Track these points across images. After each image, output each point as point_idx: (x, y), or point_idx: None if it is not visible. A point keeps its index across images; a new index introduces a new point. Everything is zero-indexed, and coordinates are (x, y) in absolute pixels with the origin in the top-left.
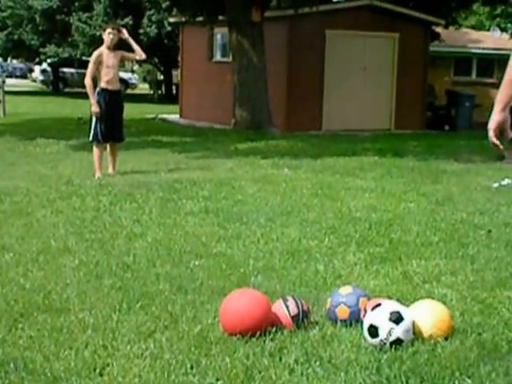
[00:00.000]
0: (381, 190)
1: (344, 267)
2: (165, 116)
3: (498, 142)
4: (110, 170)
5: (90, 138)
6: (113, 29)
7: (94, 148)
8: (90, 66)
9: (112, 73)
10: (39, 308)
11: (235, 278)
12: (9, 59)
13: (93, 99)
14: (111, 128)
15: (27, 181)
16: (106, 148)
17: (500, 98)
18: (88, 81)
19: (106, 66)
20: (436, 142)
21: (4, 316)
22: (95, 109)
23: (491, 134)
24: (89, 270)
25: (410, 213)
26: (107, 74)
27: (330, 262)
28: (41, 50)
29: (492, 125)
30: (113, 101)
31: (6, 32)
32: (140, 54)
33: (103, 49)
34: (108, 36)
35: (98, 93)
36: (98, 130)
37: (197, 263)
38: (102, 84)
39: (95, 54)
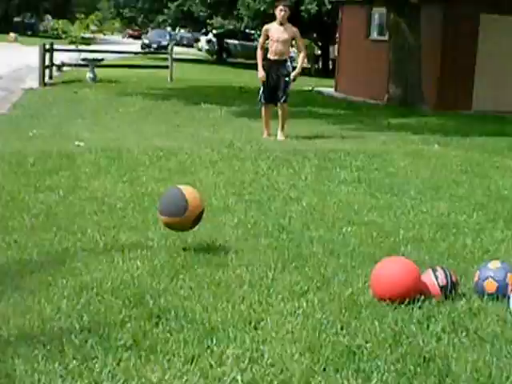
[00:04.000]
0: None
1: (492, 243)
2: (320, 89)
3: None
4: (279, 135)
5: (258, 100)
6: (284, 6)
7: (261, 109)
8: (261, 38)
9: (276, 45)
10: (199, 261)
11: (386, 246)
12: (177, 29)
13: (259, 65)
14: (274, 93)
15: (191, 142)
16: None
17: None
18: (258, 50)
19: (272, 39)
20: None
21: (166, 267)
22: (260, 74)
23: None
24: (246, 229)
25: None
26: (272, 46)
27: (478, 236)
28: (207, 21)
29: None
30: (275, 70)
31: (176, 3)
32: (304, 60)
33: (273, 23)
34: (280, 13)
35: (264, 62)
36: (261, 93)
37: (349, 229)
38: (268, 55)
39: (264, 27)
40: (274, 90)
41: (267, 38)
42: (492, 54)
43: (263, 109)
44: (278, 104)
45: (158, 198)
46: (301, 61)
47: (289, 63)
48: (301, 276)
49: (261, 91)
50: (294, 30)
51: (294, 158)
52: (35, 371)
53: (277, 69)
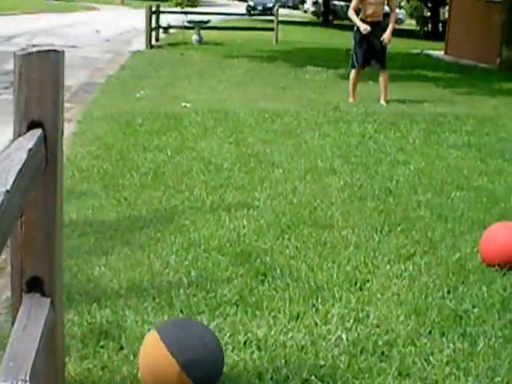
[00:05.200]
0: None
1: None
2: (430, 52)
3: None
4: (382, 100)
5: (350, 64)
6: None
7: (352, 73)
8: (354, 0)
9: (373, 8)
10: (305, 222)
11: (495, 212)
12: None
13: (358, 22)
14: (369, 55)
15: (297, 104)
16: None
17: None
18: (350, 12)
19: (367, 1)
20: None
21: (272, 226)
22: (363, 26)
23: None
24: (353, 192)
25: None
26: (368, 9)
27: None
28: None
29: None
30: (372, 32)
31: None
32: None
33: None
34: None
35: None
36: (355, 57)
37: (458, 194)
38: (363, 16)
39: None
40: (370, 53)
41: (361, 0)
42: None
43: (354, 72)
44: (380, 70)
45: (264, 159)
46: (392, 22)
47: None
48: (407, 239)
49: (354, 54)
50: None
51: (401, 121)
52: (145, 322)
53: (373, 32)
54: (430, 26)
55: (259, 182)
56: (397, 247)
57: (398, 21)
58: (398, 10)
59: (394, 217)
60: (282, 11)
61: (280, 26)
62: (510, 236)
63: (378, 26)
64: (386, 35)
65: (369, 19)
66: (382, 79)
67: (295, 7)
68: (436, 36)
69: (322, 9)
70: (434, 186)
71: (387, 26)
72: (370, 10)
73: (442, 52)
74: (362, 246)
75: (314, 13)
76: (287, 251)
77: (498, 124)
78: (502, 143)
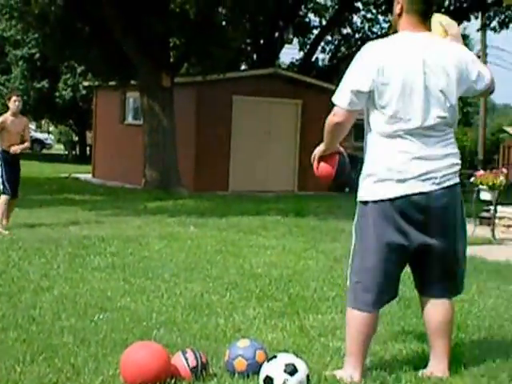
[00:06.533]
0: (282, 247)
1: (244, 321)
2: (78, 175)
3: None
4: (5, 222)
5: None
6: (17, 96)
7: (3, 198)
8: None
9: (14, 138)
10: None
11: (138, 331)
12: None
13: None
14: (16, 184)
15: None
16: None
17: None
18: None
19: (9, 131)
20: (336, 203)
21: None
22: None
23: None
24: None
25: (309, 269)
26: (10, 139)
27: (231, 316)
28: None
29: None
30: (15, 161)
31: None
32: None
33: (8, 115)
34: (14, 103)
35: (1, 154)
36: (7, 184)
37: (101, 317)
38: (5, 147)
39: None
40: (16, 182)
41: (3, 129)
42: (245, 134)
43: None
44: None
45: None
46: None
47: None
48: (50, 367)
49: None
50: (23, 119)
51: (47, 246)
52: None
53: (17, 161)
54: (77, 149)
55: None
56: (39, 376)
57: (47, 146)
58: (46, 135)
59: (36, 345)
60: None
61: None
62: (147, 354)
63: (19, 157)
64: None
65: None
66: (12, 204)
67: None
68: (84, 159)
69: None
70: (78, 310)
71: None
72: (10, 142)
73: (90, 175)
74: (3, 379)
75: None
76: None
77: (141, 243)
78: (145, 261)
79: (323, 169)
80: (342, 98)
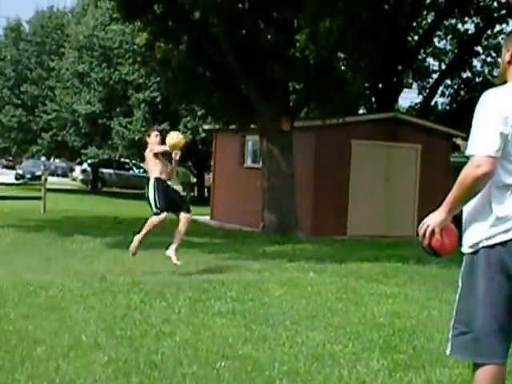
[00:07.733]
0: (404, 296)
1: (368, 373)
2: (196, 217)
3: None
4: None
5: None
6: (157, 130)
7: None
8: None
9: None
10: None
11: (260, 381)
12: (52, 158)
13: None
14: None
15: (62, 276)
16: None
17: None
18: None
19: (161, 162)
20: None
21: None
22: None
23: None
24: (117, 367)
25: (432, 320)
26: (163, 169)
27: (354, 367)
28: (82, 151)
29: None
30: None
31: (50, 133)
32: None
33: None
34: (156, 138)
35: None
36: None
37: (223, 364)
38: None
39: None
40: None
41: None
42: (364, 178)
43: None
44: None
45: (25, 335)
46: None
47: None
48: None
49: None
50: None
51: (167, 289)
52: None
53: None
54: (196, 191)
55: (20, 361)
56: None
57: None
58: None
59: None
60: (51, 179)
61: (49, 194)
62: None
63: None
64: None
65: (163, 177)
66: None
67: (65, 175)
68: (202, 201)
69: (91, 176)
70: (200, 356)
71: None
72: (165, 171)
73: (209, 217)
74: None
75: (82, 181)
76: None
77: (261, 289)
78: (265, 308)
79: (447, 247)
80: (484, 144)
